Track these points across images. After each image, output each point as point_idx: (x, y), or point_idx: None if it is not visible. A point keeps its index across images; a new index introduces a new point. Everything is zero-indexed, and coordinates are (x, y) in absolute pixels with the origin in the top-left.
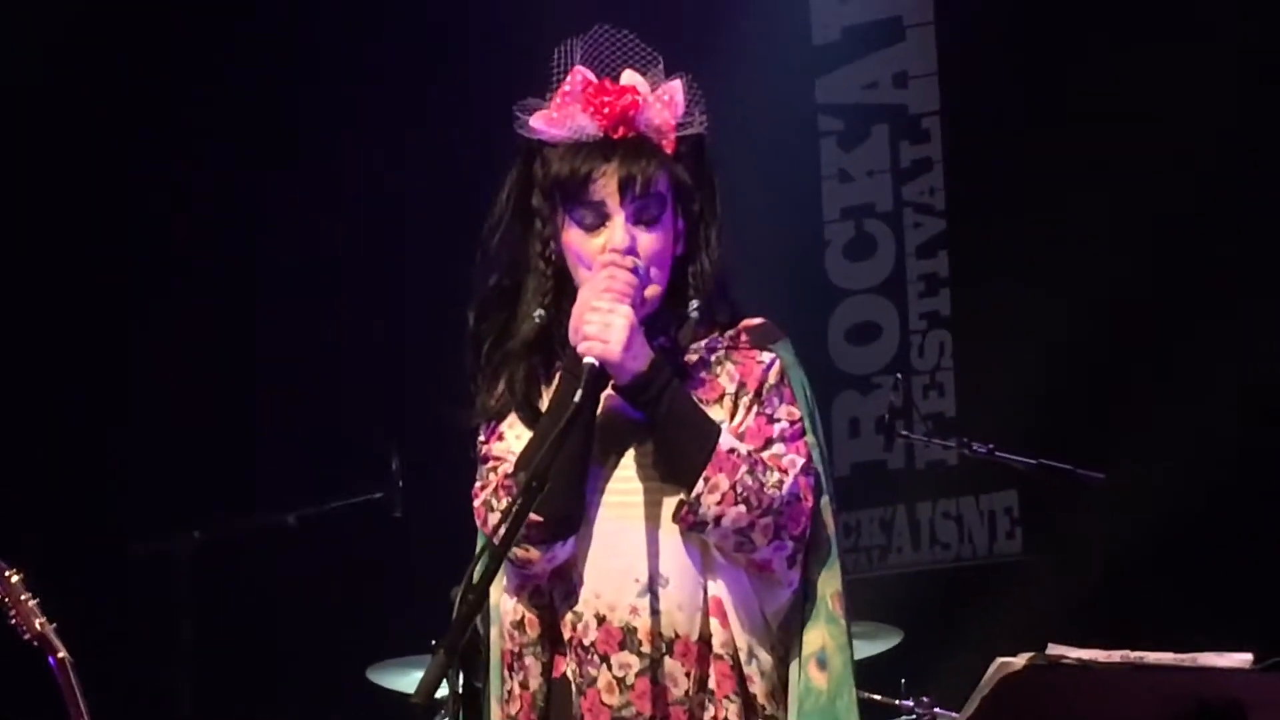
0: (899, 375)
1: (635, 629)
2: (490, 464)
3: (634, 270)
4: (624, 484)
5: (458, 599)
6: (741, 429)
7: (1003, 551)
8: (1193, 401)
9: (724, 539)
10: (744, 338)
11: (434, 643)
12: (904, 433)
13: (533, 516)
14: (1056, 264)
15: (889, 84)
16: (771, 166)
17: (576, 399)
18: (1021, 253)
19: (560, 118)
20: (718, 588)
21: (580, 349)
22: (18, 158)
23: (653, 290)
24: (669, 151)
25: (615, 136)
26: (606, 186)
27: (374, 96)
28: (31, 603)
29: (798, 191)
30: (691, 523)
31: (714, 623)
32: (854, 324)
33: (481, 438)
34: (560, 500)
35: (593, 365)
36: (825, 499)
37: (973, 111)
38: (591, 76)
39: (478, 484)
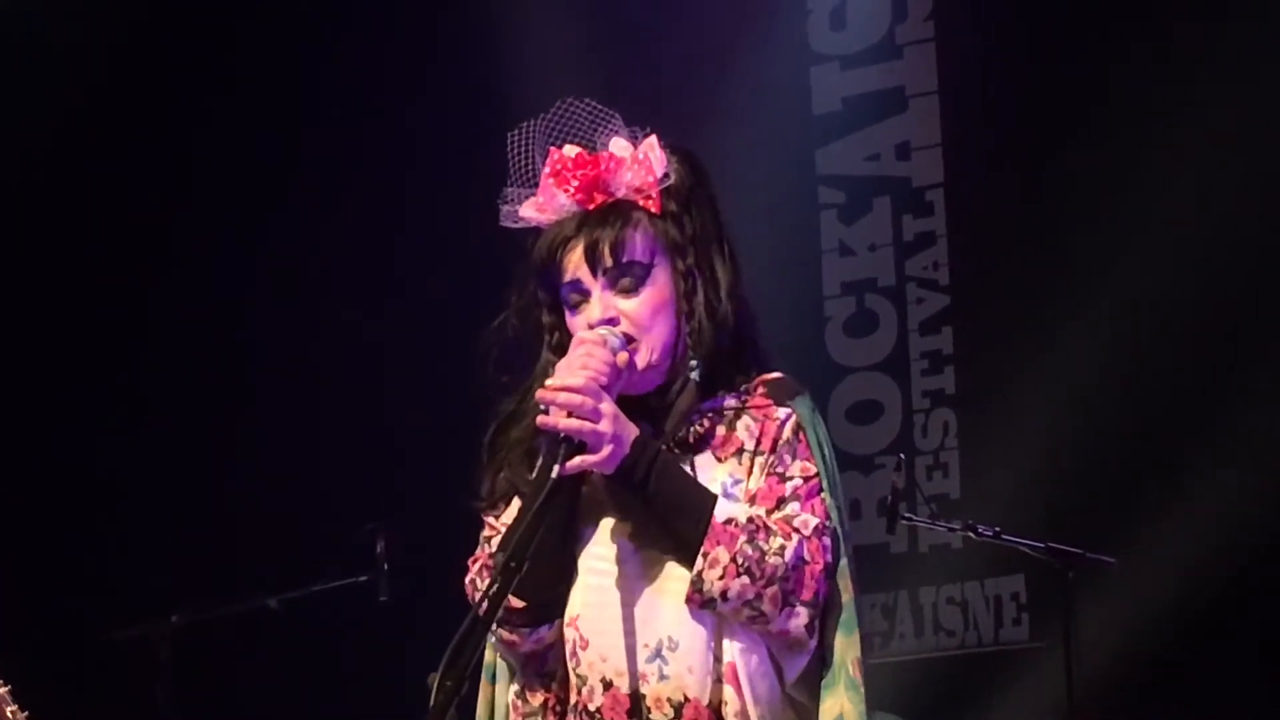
0: (901, 456)
1: (644, 696)
2: (489, 532)
3: (604, 343)
4: (627, 541)
5: (435, 685)
6: (754, 490)
7: (1009, 639)
8: (1207, 483)
9: (735, 613)
10: (760, 390)
11: None
12: (907, 515)
13: (515, 602)
14: (1064, 341)
15: (891, 155)
16: (770, 239)
17: (553, 474)
18: (1028, 329)
19: (546, 201)
20: (733, 653)
21: (561, 427)
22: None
23: (648, 358)
24: (654, 210)
25: (591, 207)
26: (575, 259)
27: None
28: (2, 691)
29: (797, 265)
30: (700, 602)
31: (728, 690)
32: (855, 402)
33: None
34: (542, 585)
35: (569, 443)
36: (845, 562)
37: (977, 184)
38: (570, 153)
39: (475, 555)
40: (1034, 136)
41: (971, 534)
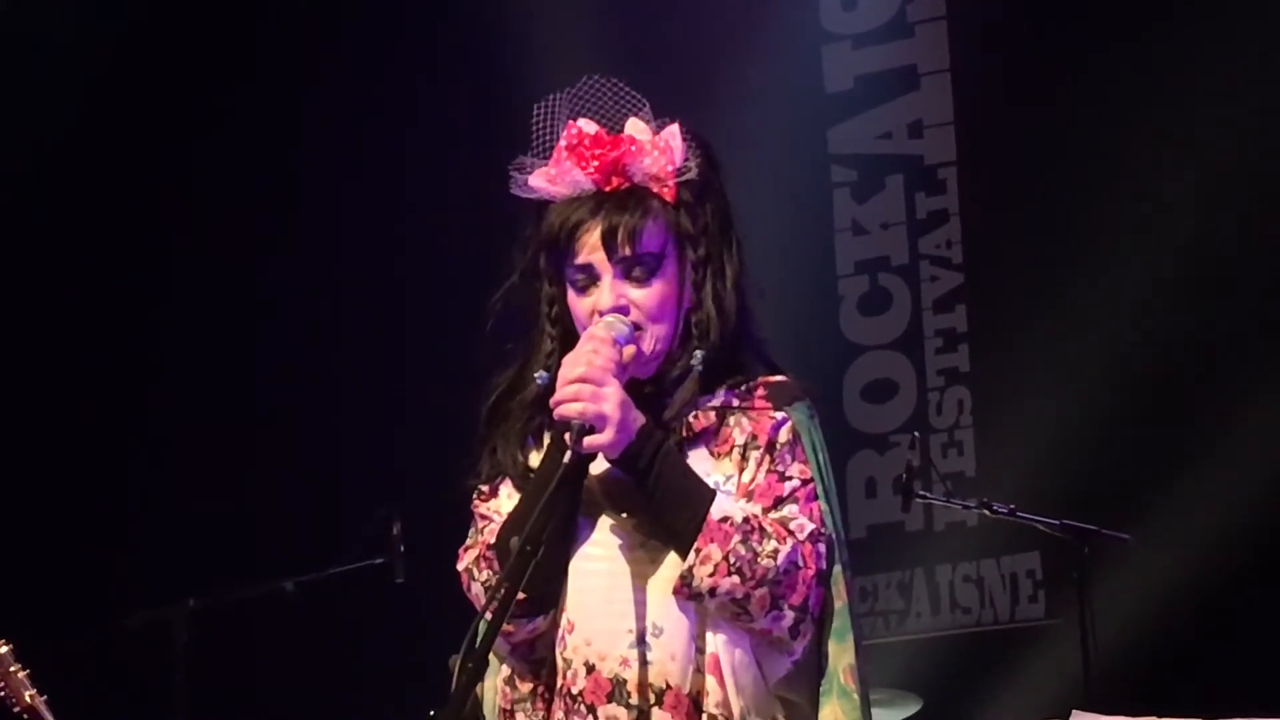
0: (916, 434)
1: (625, 680)
2: (480, 523)
3: (616, 340)
4: (621, 534)
5: (457, 667)
6: (752, 485)
7: (1025, 615)
8: (1222, 459)
9: (721, 609)
10: (760, 392)
11: (432, 714)
12: (922, 493)
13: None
14: (1078, 318)
15: (904, 134)
16: (783, 219)
17: (565, 459)
18: (1041, 307)
19: (558, 174)
20: (717, 644)
21: (569, 416)
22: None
23: (651, 346)
24: (669, 199)
25: (609, 189)
26: (591, 242)
27: (375, 161)
28: (22, 674)
29: (810, 244)
30: (687, 595)
31: (710, 680)
32: (869, 381)
33: (478, 495)
34: (543, 577)
35: (582, 426)
36: (838, 568)
37: (990, 162)
38: (589, 129)
39: (465, 543)
40: (1046, 113)
41: (987, 511)
